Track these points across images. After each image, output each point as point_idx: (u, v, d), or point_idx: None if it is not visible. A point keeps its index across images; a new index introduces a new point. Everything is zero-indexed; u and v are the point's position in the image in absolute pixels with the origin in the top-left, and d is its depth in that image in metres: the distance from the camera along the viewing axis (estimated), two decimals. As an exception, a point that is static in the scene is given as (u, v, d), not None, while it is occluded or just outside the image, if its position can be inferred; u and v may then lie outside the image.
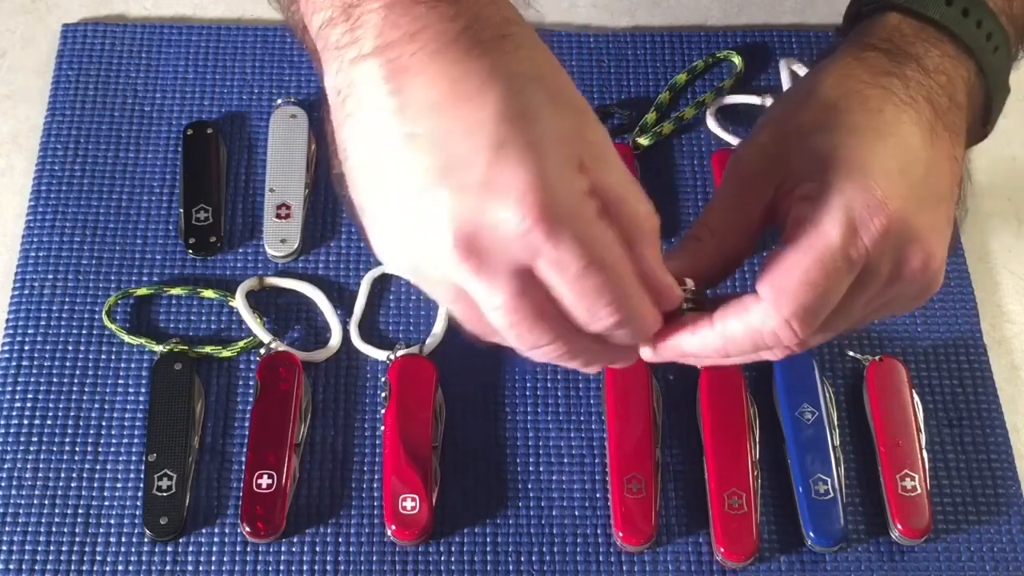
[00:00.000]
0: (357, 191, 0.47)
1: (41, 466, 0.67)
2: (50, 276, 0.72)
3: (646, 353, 0.51)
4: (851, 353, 0.71)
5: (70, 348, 0.70)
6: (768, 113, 0.55)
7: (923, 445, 0.67)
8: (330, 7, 0.46)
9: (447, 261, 0.44)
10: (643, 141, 0.78)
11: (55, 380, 0.69)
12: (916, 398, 0.68)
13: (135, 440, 0.67)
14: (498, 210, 0.42)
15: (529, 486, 0.67)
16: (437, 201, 0.43)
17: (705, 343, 0.50)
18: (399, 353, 0.70)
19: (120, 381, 0.69)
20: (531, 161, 0.42)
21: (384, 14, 0.45)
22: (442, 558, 0.65)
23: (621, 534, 0.64)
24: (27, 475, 0.66)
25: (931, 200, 0.51)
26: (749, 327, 0.49)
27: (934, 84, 0.52)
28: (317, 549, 0.65)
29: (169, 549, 0.65)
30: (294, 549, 0.65)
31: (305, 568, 0.65)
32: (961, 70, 0.53)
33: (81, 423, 0.68)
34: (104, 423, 0.68)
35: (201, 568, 0.64)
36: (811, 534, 0.65)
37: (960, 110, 0.53)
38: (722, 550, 0.64)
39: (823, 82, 0.52)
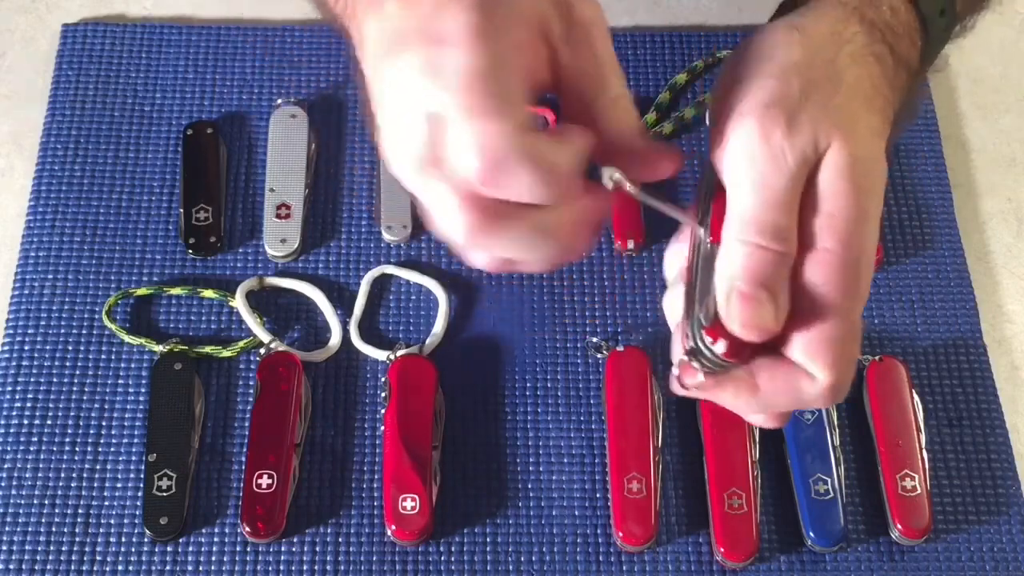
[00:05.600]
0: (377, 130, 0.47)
1: (41, 466, 0.67)
2: (50, 276, 0.72)
3: (678, 388, 0.48)
4: (851, 353, 0.71)
5: (70, 348, 0.70)
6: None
7: (923, 445, 0.67)
8: None
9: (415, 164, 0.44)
10: (643, 141, 0.78)
11: (55, 380, 0.69)
12: (916, 398, 0.68)
13: (135, 440, 0.68)
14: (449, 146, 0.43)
15: (529, 486, 0.67)
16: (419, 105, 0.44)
17: (744, 402, 0.48)
18: (399, 353, 0.70)
19: (120, 381, 0.69)
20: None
21: None
22: (442, 558, 0.65)
23: (621, 534, 0.64)
24: (27, 475, 0.66)
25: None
26: (796, 394, 0.47)
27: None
28: (317, 549, 0.65)
29: (169, 549, 0.65)
30: (294, 549, 0.65)
31: (305, 568, 0.65)
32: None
33: (81, 423, 0.68)
34: (104, 423, 0.68)
35: (201, 568, 0.64)
36: (811, 534, 0.65)
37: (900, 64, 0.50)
38: (722, 550, 0.64)
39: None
